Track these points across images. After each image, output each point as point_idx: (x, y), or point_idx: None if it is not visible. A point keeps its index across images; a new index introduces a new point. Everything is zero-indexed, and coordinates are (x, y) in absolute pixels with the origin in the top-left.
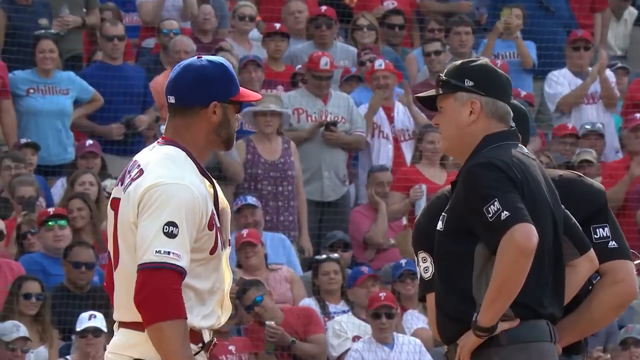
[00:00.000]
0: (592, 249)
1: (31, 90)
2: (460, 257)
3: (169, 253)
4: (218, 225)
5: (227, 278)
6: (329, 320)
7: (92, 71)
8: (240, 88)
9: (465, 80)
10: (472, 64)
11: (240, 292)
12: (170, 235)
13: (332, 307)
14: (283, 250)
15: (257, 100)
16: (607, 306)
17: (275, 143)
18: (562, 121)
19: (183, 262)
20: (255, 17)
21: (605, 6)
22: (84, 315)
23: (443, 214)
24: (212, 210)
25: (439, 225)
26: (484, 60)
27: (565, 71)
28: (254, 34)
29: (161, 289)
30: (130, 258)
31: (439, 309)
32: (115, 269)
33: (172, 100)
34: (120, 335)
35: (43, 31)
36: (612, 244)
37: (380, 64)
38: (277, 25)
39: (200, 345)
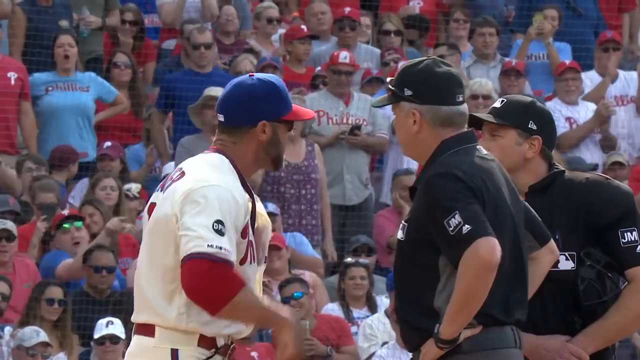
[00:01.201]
0: (552, 240)
1: (50, 89)
2: (421, 268)
3: (221, 248)
4: (251, 238)
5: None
6: (352, 325)
7: (179, 77)
8: (293, 106)
9: (405, 89)
10: (412, 70)
11: (283, 283)
12: (220, 233)
13: (355, 313)
14: (301, 248)
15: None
16: (634, 313)
17: (299, 146)
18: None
19: (233, 258)
20: (280, 19)
21: (633, 6)
22: (102, 321)
23: (403, 222)
24: (248, 222)
25: (400, 235)
26: (425, 62)
27: (592, 73)
28: (277, 35)
29: (219, 276)
30: (149, 257)
31: (401, 319)
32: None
33: (221, 118)
34: (133, 342)
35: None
36: None
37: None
38: (305, 28)
39: (213, 350)
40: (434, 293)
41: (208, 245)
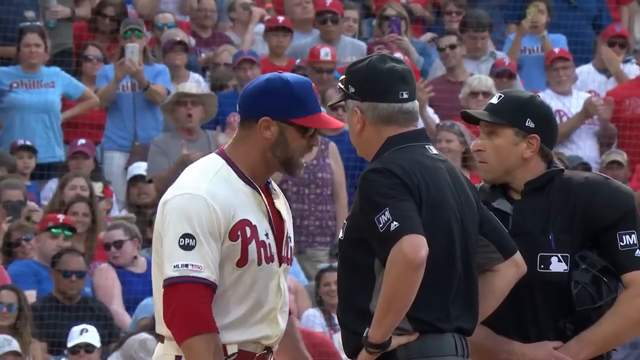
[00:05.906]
0: (518, 252)
1: (14, 85)
2: (358, 269)
3: (187, 266)
4: (263, 238)
5: (278, 295)
6: (335, 332)
7: None
8: (321, 114)
9: (349, 86)
10: (356, 67)
11: None
12: (187, 248)
13: (336, 319)
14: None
15: (334, 129)
16: (630, 320)
17: None
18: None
19: (206, 273)
20: (256, 4)
21: None
22: (75, 329)
23: (344, 221)
24: (244, 220)
25: (340, 234)
26: (370, 59)
27: (589, 67)
28: (259, 28)
29: (184, 304)
30: (156, 268)
31: (340, 321)
32: None
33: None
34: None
35: (29, 23)
36: (639, 252)
37: None
38: (281, 19)
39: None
40: (370, 295)
41: (174, 266)
